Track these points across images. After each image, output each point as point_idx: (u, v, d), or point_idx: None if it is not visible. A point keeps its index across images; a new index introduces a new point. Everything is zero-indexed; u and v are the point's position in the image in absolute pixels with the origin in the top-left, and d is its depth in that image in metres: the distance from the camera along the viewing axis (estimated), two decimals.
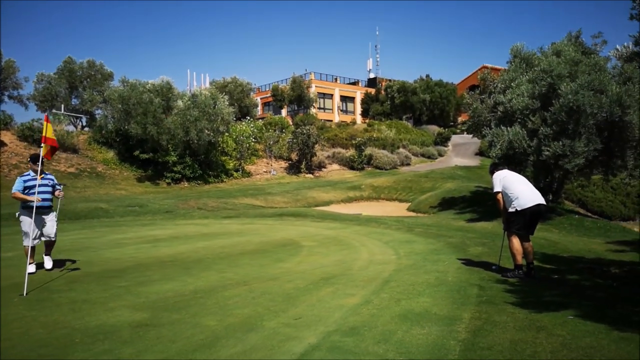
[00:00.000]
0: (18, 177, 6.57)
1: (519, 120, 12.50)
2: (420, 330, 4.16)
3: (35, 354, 3.76)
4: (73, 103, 29.86)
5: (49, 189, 6.66)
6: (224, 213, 16.99)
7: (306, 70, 54.66)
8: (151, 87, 25.27)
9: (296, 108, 44.97)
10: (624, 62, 5.74)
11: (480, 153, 40.54)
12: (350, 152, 33.79)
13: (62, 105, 28.06)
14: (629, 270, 7.05)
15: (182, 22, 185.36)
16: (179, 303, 5.22)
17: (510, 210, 6.37)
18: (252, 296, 5.50)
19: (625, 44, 5.84)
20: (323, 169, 32.67)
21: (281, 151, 32.28)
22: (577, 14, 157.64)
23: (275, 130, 33.57)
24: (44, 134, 6.08)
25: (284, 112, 51.55)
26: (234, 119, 28.67)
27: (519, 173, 6.96)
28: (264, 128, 34.17)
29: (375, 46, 75.17)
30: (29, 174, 6.54)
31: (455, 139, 46.20)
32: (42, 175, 6.55)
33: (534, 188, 6.54)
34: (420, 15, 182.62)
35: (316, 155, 32.14)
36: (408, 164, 35.98)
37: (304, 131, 30.63)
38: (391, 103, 49.36)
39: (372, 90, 56.66)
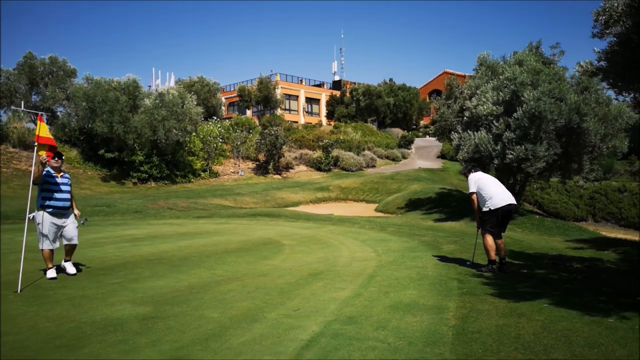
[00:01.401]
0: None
1: (484, 125, 13.17)
2: (413, 319, 4.52)
3: (51, 345, 3.90)
4: (33, 100, 28.92)
5: (68, 188, 6.46)
6: (196, 213, 17.00)
7: (272, 71, 54.81)
8: (117, 85, 24.86)
9: (262, 109, 44.98)
10: (588, 76, 6.28)
11: (442, 156, 41.80)
12: (317, 154, 34.18)
13: (22, 102, 27.13)
14: (589, 265, 7.68)
15: (145, 21, 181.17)
16: (177, 298, 5.41)
17: (484, 209, 6.83)
18: (247, 291, 5.74)
19: (588, 59, 6.44)
20: (290, 170, 32.91)
21: (249, 152, 32.33)
22: (536, 21, 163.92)
23: (242, 131, 33.57)
24: (37, 133, 6.08)
25: (248, 112, 51.41)
26: (202, 119, 28.56)
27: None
28: (230, 128, 34.11)
29: (340, 49, 76.19)
30: (48, 170, 6.35)
31: (418, 142, 47.39)
32: (61, 174, 6.43)
33: (505, 189, 7.04)
34: (384, 20, 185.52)
35: (284, 157, 32.36)
36: (373, 166, 36.69)
37: (272, 132, 30.81)
38: (356, 106, 50.11)
39: (337, 93, 57.30)
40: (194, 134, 28.21)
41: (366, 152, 37.86)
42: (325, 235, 11.10)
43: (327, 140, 35.06)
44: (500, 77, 13.48)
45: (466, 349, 3.65)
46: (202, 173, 28.47)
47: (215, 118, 34.53)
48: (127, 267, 7.21)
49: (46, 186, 6.22)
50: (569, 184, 23.76)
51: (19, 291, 5.61)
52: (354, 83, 62.48)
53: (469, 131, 13.28)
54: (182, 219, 15.12)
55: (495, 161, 12.73)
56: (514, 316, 4.44)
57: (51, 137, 6.18)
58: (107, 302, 5.20)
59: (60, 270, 6.58)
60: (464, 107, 14.86)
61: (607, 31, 6.43)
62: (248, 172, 31.11)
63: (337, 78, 67.26)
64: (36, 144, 6.04)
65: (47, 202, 6.21)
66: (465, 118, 14.54)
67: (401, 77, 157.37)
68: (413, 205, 19.99)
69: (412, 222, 14.82)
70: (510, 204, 6.80)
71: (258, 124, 37.20)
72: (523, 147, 11.80)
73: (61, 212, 6.35)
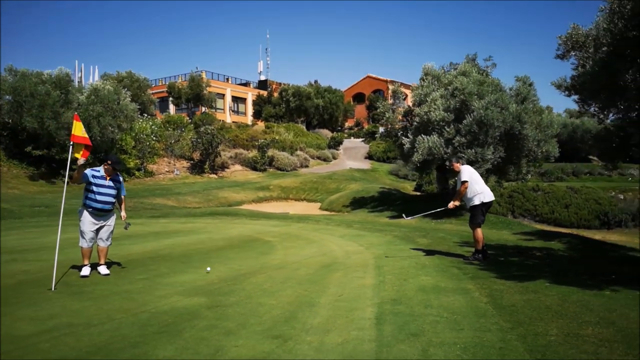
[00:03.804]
0: (88, 169, 6.31)
1: (436, 130, 14.39)
2: (448, 299, 5.26)
3: (148, 332, 4.16)
4: None
5: (114, 192, 6.46)
6: (148, 213, 16.71)
7: (197, 68, 53.55)
8: (47, 78, 23.45)
9: (192, 107, 44.16)
10: (563, 91, 7.47)
11: (370, 157, 43.61)
12: (253, 154, 34.34)
13: None
14: (547, 253, 8.93)
15: (59, 9, 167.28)
16: (220, 289, 5.74)
17: (476, 202, 7.71)
18: (279, 281, 6.18)
19: (562, 76, 7.68)
20: (226, 170, 32.77)
21: (183, 150, 31.74)
22: (462, 31, 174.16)
23: (175, 129, 32.88)
24: (72, 132, 6.10)
25: (172, 109, 49.90)
26: (138, 115, 27.72)
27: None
28: (162, 126, 33.26)
29: (266, 49, 76.24)
30: (99, 170, 6.35)
31: (345, 143, 48.95)
32: (111, 177, 6.39)
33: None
34: (308, 21, 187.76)
35: (220, 156, 32.17)
36: (306, 166, 37.48)
37: (209, 131, 30.56)
38: (286, 106, 50.68)
39: (264, 92, 57.47)
40: (126, 131, 27.26)
41: (299, 152, 38.57)
42: (299, 232, 11.62)
43: (262, 140, 35.31)
44: (449, 87, 14.77)
45: (514, 318, 4.45)
46: (136, 172, 27.58)
47: (146, 115, 33.47)
48: (136, 264, 7.31)
49: (89, 187, 6.28)
50: (490, 184, 26.03)
51: (53, 288, 5.63)
52: (280, 83, 63.00)
53: (422, 135, 14.43)
54: (141, 219, 14.86)
55: (447, 163, 13.97)
56: (530, 293, 5.34)
57: (86, 136, 6.21)
58: (156, 296, 5.43)
59: (94, 267, 6.63)
60: (414, 113, 16.04)
61: (572, 54, 7.66)
62: (183, 172, 30.57)
63: (263, 78, 67.36)
64: (71, 143, 6.08)
65: (87, 202, 6.30)
66: (415, 123, 15.71)
67: (325, 79, 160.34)
68: (358, 203, 20.97)
69: (368, 219, 15.75)
70: (493, 199, 7.84)
71: (190, 122, 36.53)
72: (473, 150, 13.13)
73: (100, 214, 6.40)
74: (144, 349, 3.79)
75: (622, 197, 26.55)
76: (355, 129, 61.72)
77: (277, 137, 38.34)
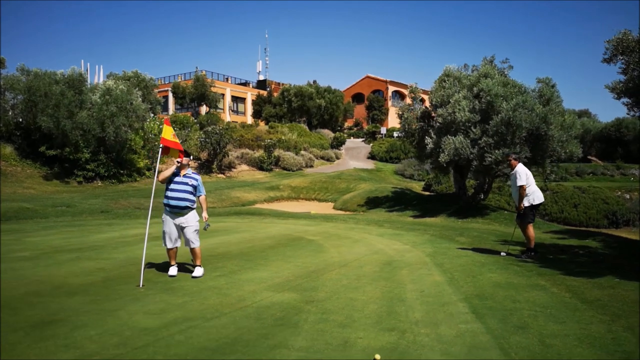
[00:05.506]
0: None
1: (461, 130, 14.64)
2: (529, 294, 5.49)
3: (266, 324, 4.35)
4: None
5: (189, 188, 6.37)
6: None
7: (197, 67, 53.55)
8: (61, 78, 23.43)
9: (196, 106, 44.19)
10: (616, 94, 7.77)
11: (372, 157, 43.88)
12: (259, 153, 34.45)
13: None
14: (588, 251, 9.20)
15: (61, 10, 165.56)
16: (303, 285, 5.93)
17: (525, 205, 7.98)
18: (353, 278, 6.38)
19: (616, 80, 8.03)
20: (233, 169, 32.86)
21: (190, 150, 31.78)
22: (461, 31, 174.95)
23: (182, 129, 32.93)
24: (162, 136, 6.33)
25: (171, 109, 49.78)
26: (151, 115, 27.77)
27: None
28: None
29: (265, 49, 76.34)
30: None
31: (346, 143, 49.22)
32: (185, 173, 6.48)
33: None
34: (307, 21, 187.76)
35: (227, 156, 32.25)
36: (311, 166, 37.65)
37: (217, 131, 30.64)
38: (288, 106, 50.81)
39: (263, 92, 57.60)
40: (136, 131, 27.29)
41: (303, 152, 38.73)
42: (336, 231, 11.80)
43: (269, 140, 35.44)
44: (473, 88, 15.04)
45: (607, 311, 4.69)
46: (146, 172, 27.61)
47: (152, 115, 33.45)
48: (202, 262, 7.43)
49: (168, 185, 6.39)
50: (497, 184, 26.40)
51: (140, 285, 5.77)
52: (279, 83, 63.17)
53: (448, 136, 14.68)
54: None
55: (474, 163, 14.26)
56: (607, 288, 5.59)
57: (177, 140, 6.42)
58: (247, 291, 5.60)
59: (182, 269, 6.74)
60: (435, 114, 16.28)
61: (620, 58, 7.95)
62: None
63: (262, 77, 67.56)
64: (161, 145, 6.28)
65: (164, 201, 6.39)
66: (438, 124, 15.95)
67: (324, 79, 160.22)
68: (373, 203, 21.16)
69: (392, 218, 15.97)
70: (542, 200, 8.10)
71: (195, 122, 36.58)
72: (500, 151, 13.40)
73: (176, 212, 6.37)
74: (275, 340, 3.98)
75: (628, 196, 27.06)
76: (355, 129, 61.97)
77: (282, 137, 38.48)
